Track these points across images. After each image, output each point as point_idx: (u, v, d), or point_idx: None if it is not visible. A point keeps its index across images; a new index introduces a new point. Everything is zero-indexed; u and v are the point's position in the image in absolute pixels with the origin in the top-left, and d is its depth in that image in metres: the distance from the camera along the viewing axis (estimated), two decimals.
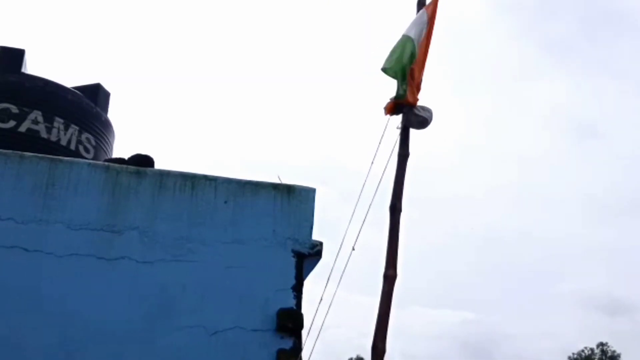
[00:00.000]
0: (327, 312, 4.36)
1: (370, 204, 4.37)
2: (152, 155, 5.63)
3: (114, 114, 7.77)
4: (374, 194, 4.54)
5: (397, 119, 4.97)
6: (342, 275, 4.34)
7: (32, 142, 6.42)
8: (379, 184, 4.58)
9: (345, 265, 4.36)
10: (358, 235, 4.38)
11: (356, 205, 4.46)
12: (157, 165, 5.51)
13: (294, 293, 4.93)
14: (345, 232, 4.58)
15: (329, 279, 4.43)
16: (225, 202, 5.16)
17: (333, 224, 5.34)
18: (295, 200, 5.29)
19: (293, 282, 4.97)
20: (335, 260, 4.60)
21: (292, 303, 4.89)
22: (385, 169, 4.66)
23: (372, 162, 4.63)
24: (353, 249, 4.45)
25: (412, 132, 4.90)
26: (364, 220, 4.34)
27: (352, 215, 4.60)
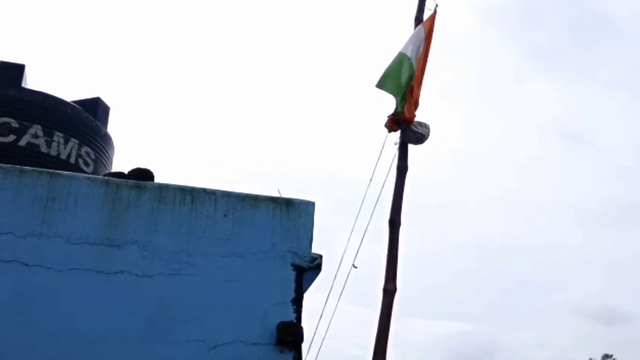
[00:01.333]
0: (329, 325, 4.37)
1: (370, 218, 4.39)
2: (151, 169, 5.65)
3: (114, 127, 7.79)
4: (374, 207, 4.56)
5: (395, 134, 5.00)
6: (342, 290, 4.35)
7: (32, 156, 6.45)
8: (378, 197, 4.60)
9: (346, 281, 4.38)
10: (358, 251, 4.39)
11: (356, 219, 4.48)
12: (157, 179, 5.52)
13: (294, 307, 4.92)
14: (346, 246, 4.59)
15: (329, 294, 4.44)
16: (225, 215, 5.16)
17: (327, 234, 5.35)
18: (294, 214, 5.29)
19: (293, 295, 4.96)
20: (336, 274, 4.62)
21: (292, 317, 4.88)
22: (385, 181, 4.68)
23: (371, 178, 4.65)
24: (354, 266, 4.47)
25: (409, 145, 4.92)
26: (364, 235, 4.36)
27: (352, 229, 4.61)
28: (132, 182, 5.15)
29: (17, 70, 7.06)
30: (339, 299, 4.32)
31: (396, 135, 4.95)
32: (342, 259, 4.51)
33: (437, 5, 5.28)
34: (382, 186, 4.58)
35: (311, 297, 5.14)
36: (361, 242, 4.40)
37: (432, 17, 5.38)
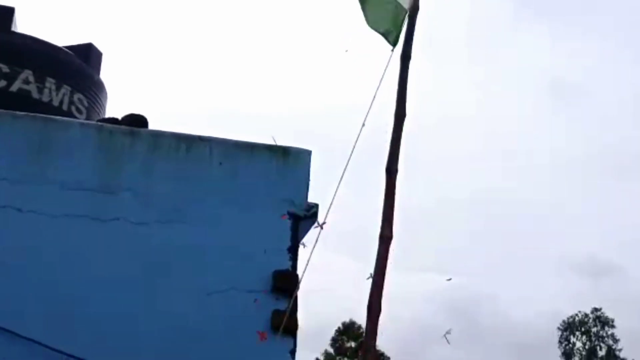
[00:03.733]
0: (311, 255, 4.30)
1: (345, 168, 4.33)
2: (145, 115, 5.58)
3: (107, 74, 7.66)
4: (349, 159, 4.47)
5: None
6: (318, 235, 4.32)
7: (24, 102, 6.33)
8: (357, 140, 4.45)
9: (321, 226, 4.34)
10: (332, 200, 4.34)
11: (345, 169, 4.43)
12: (151, 126, 5.45)
13: (290, 255, 4.92)
14: (334, 195, 4.55)
15: (314, 245, 4.42)
16: (220, 163, 5.12)
17: (319, 185, 5.32)
18: (290, 162, 5.25)
19: (289, 244, 4.96)
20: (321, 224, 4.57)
21: (287, 265, 4.89)
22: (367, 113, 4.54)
23: (363, 125, 4.56)
24: (320, 226, 4.46)
25: (409, 91, 4.83)
26: (340, 180, 4.30)
27: (341, 179, 4.55)
28: (125, 128, 5.09)
29: (6, 13, 6.89)
30: (316, 241, 4.28)
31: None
32: (329, 207, 4.46)
33: None
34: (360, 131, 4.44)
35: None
36: (338, 186, 4.35)
37: None
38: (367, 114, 4.43)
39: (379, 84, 4.52)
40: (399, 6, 5.06)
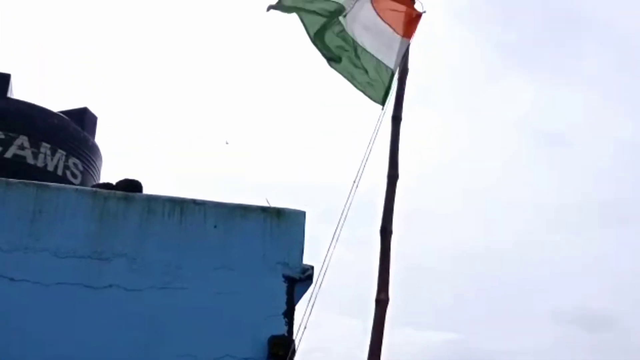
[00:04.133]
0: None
1: (341, 225, 4.31)
2: (139, 180, 5.59)
3: (102, 138, 7.71)
4: (345, 212, 4.46)
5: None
6: (314, 296, 4.26)
7: (19, 168, 6.35)
8: (348, 201, 4.46)
9: (318, 286, 4.30)
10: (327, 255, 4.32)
11: (339, 227, 4.41)
12: (146, 190, 5.46)
13: (285, 319, 4.86)
14: (328, 253, 4.52)
15: (310, 300, 4.37)
16: (215, 226, 5.11)
17: (312, 243, 5.30)
18: (284, 224, 5.24)
19: (284, 307, 4.90)
20: (321, 282, 4.53)
21: (283, 329, 4.83)
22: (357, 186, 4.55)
23: (357, 183, 4.56)
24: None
25: (402, 151, 4.87)
26: (335, 239, 4.28)
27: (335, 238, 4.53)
28: (120, 193, 5.08)
29: (2, 80, 6.97)
30: (311, 304, 4.23)
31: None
32: (326, 266, 4.43)
33: (424, 12, 5.24)
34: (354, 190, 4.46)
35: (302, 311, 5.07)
36: (330, 245, 4.33)
37: (416, 19, 5.30)
38: (360, 175, 4.46)
39: (370, 145, 4.55)
40: (382, 64, 5.15)
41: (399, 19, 5.31)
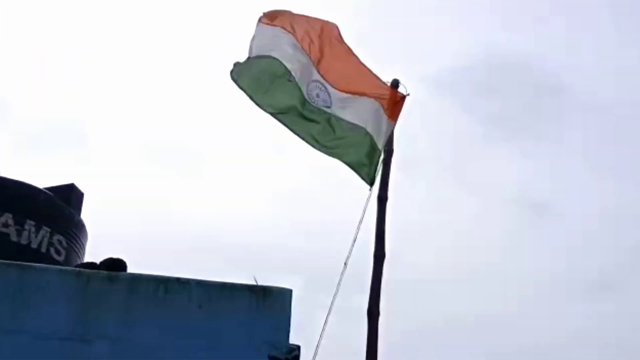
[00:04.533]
0: None
1: (330, 309, 4.30)
2: (124, 258, 5.54)
3: (87, 214, 7.70)
4: (338, 286, 4.46)
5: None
6: None
7: (2, 246, 6.31)
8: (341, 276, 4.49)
9: None
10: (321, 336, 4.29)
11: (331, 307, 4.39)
12: (131, 268, 5.41)
13: None
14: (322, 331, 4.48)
15: None
16: (200, 306, 5.04)
17: (300, 312, 5.25)
18: (271, 303, 5.18)
19: None
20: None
21: None
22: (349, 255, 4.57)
23: (347, 262, 4.58)
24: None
25: (388, 232, 4.90)
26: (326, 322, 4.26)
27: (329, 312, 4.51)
28: (104, 273, 5.03)
29: None
30: None
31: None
32: (317, 347, 4.38)
33: (408, 94, 5.38)
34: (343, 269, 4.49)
35: None
36: (321, 335, 4.29)
37: (400, 102, 5.44)
38: (349, 255, 4.46)
39: (358, 226, 4.59)
40: (374, 145, 5.24)
41: (384, 100, 5.44)
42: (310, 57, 5.55)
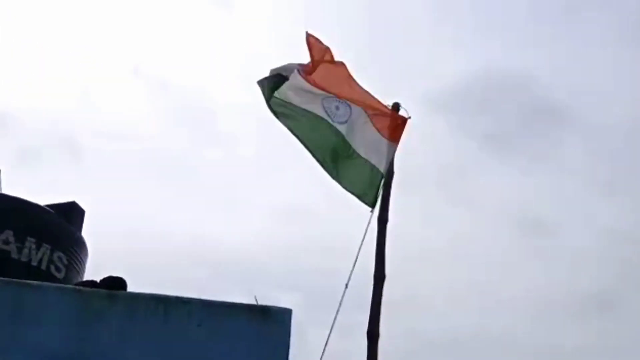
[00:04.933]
0: None
1: (331, 330, 4.28)
2: (124, 277, 5.52)
3: (88, 231, 7.69)
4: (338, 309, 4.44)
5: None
6: None
7: (2, 263, 6.30)
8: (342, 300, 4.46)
9: None
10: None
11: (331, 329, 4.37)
12: (132, 286, 5.39)
13: None
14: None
15: None
16: (199, 325, 5.01)
17: (298, 330, 5.22)
18: (270, 323, 5.15)
19: None
20: None
21: None
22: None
23: (348, 284, 4.57)
24: None
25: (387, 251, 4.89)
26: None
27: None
28: (103, 292, 5.02)
29: None
30: None
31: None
32: None
33: (409, 117, 5.39)
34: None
35: None
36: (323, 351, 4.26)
37: (402, 124, 5.46)
38: (350, 276, 4.45)
39: (360, 248, 4.58)
40: (375, 169, 5.25)
41: (385, 123, 5.46)
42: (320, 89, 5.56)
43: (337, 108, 5.63)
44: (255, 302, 5.27)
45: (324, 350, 4.38)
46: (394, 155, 5.32)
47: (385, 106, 5.51)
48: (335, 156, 5.37)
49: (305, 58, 5.78)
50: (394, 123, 5.43)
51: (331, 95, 5.58)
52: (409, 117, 5.41)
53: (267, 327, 5.11)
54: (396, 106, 5.46)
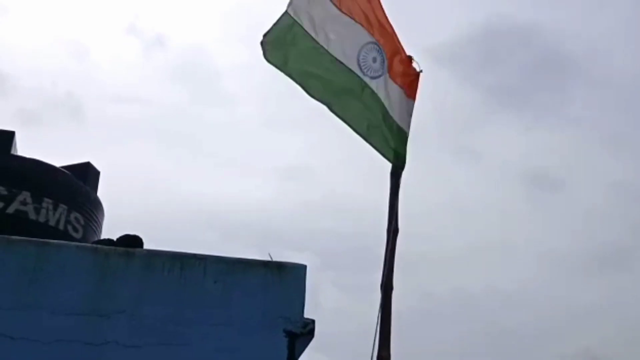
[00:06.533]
0: None
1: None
2: (140, 235, 5.60)
3: (104, 192, 7.77)
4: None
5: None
6: None
7: (21, 224, 6.39)
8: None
9: None
10: None
11: None
12: (147, 245, 5.47)
13: None
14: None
15: None
16: (215, 282, 5.09)
17: (313, 290, 5.28)
18: (286, 278, 5.22)
19: None
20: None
21: None
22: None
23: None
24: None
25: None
26: None
27: None
28: (121, 249, 5.09)
29: (6, 137, 7.08)
30: None
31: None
32: None
33: (421, 70, 5.32)
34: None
35: None
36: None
37: (415, 79, 5.38)
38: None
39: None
40: (401, 130, 5.19)
41: (404, 77, 5.39)
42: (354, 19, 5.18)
43: (375, 60, 5.26)
44: (270, 259, 5.34)
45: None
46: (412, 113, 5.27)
47: (407, 56, 5.33)
48: (370, 119, 5.21)
49: None
50: (408, 78, 5.37)
51: (370, 38, 5.13)
52: (421, 71, 5.34)
53: (283, 282, 5.18)
54: (409, 59, 5.36)
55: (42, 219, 6.68)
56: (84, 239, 6.88)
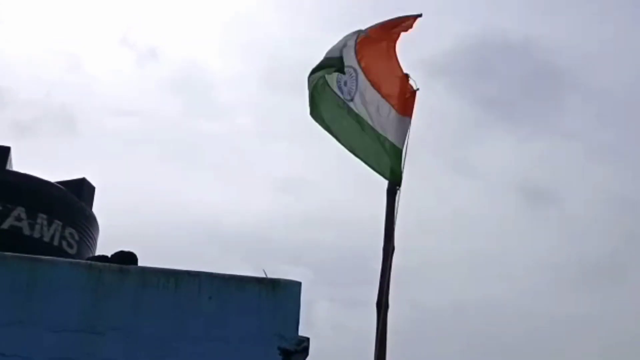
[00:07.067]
0: None
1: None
2: (135, 252, 5.59)
3: (99, 208, 7.76)
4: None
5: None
6: None
7: (15, 239, 6.38)
8: None
9: None
10: None
11: None
12: (143, 258, 5.45)
13: None
14: None
15: None
16: (210, 298, 5.08)
17: (307, 305, 5.27)
18: (280, 295, 5.21)
19: None
20: None
21: None
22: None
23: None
24: None
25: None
26: None
27: None
28: (115, 266, 5.08)
29: (2, 152, 7.08)
30: None
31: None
32: None
33: (417, 89, 5.36)
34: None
35: None
36: None
37: (411, 98, 5.42)
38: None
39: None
40: (394, 146, 5.21)
41: (401, 98, 5.43)
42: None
43: (345, 83, 5.50)
44: (264, 276, 5.33)
45: None
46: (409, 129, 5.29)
47: (404, 74, 5.37)
48: (358, 139, 5.29)
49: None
50: (403, 96, 5.39)
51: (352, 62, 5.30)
52: (417, 89, 5.37)
53: (277, 299, 5.17)
54: (406, 77, 5.40)
55: (36, 235, 6.67)
56: (78, 255, 6.86)
